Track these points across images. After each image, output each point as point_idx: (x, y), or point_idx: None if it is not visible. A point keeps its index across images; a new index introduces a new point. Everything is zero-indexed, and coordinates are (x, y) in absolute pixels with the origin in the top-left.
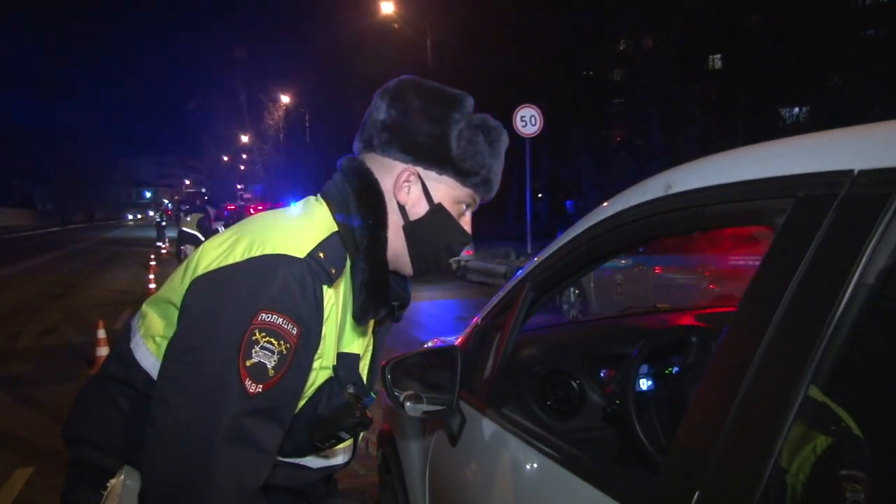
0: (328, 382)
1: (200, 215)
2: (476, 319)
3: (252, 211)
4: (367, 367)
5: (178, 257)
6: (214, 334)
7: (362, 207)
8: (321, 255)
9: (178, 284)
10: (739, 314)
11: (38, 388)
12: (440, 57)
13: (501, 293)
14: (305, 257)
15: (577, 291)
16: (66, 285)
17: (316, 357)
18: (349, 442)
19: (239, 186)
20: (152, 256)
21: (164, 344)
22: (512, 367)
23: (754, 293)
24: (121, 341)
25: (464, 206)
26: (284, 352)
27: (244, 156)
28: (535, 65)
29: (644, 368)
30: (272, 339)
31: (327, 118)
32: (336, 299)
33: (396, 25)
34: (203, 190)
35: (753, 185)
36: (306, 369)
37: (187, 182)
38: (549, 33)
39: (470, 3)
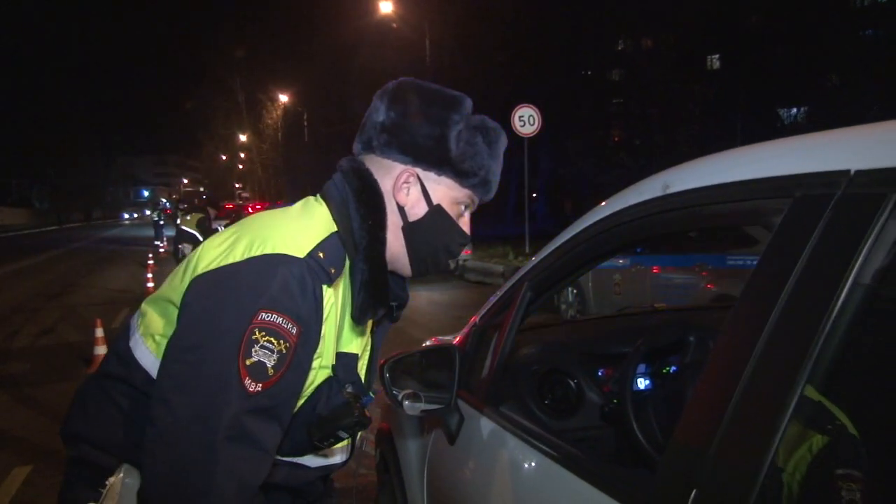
0: (327, 382)
1: (201, 215)
2: (474, 319)
3: (251, 210)
4: (365, 367)
5: (175, 256)
6: (214, 333)
7: (362, 208)
8: (321, 254)
9: (178, 283)
10: (736, 313)
11: (36, 388)
12: (438, 56)
13: (500, 293)
14: (305, 257)
15: (574, 291)
16: (64, 284)
17: (315, 356)
18: (347, 441)
19: (238, 185)
20: (150, 256)
21: (164, 343)
22: (510, 367)
23: (751, 292)
24: (120, 340)
25: (462, 207)
26: (284, 351)
27: (242, 155)
28: (534, 64)
29: (642, 368)
30: (272, 339)
31: (326, 117)
32: (335, 299)
33: (395, 25)
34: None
35: (751, 185)
36: (305, 369)
37: (185, 181)
38: (548, 33)
39: (468, 2)
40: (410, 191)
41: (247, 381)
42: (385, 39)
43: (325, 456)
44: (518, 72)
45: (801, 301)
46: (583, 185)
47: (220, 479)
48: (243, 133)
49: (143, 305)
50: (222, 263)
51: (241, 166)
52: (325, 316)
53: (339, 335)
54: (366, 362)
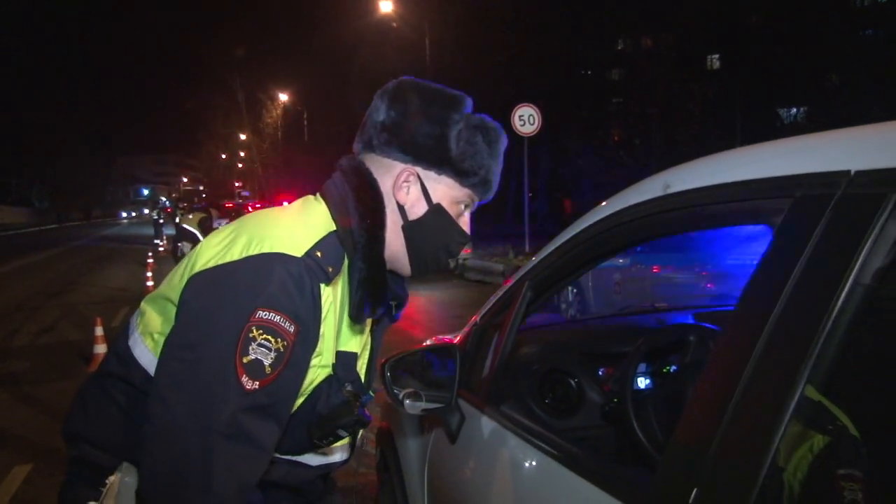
0: (327, 381)
1: (203, 215)
2: (475, 318)
3: (250, 209)
4: (365, 366)
5: (174, 255)
6: (212, 331)
7: (361, 207)
8: (318, 254)
9: (176, 282)
10: (737, 313)
11: (36, 386)
12: (439, 56)
13: (500, 292)
14: (303, 256)
15: (574, 290)
16: (64, 283)
17: (314, 355)
18: (347, 440)
19: (237, 184)
20: (150, 254)
21: (162, 341)
22: (511, 366)
23: (752, 292)
24: (119, 339)
25: (462, 207)
26: (282, 349)
27: (242, 154)
28: (534, 64)
29: (642, 367)
30: (269, 337)
31: (326, 117)
32: (334, 298)
33: (395, 24)
34: (201, 188)
35: (751, 185)
36: (304, 367)
37: (185, 180)
38: (548, 32)
39: (468, 2)
40: (410, 190)
41: (244, 379)
42: (385, 39)
43: (325, 454)
44: (518, 71)
45: (802, 301)
46: (582, 184)
47: (216, 476)
48: (243, 132)
49: (143, 304)
50: (220, 262)
51: (240, 165)
52: (323, 315)
53: (339, 334)
54: (365, 361)
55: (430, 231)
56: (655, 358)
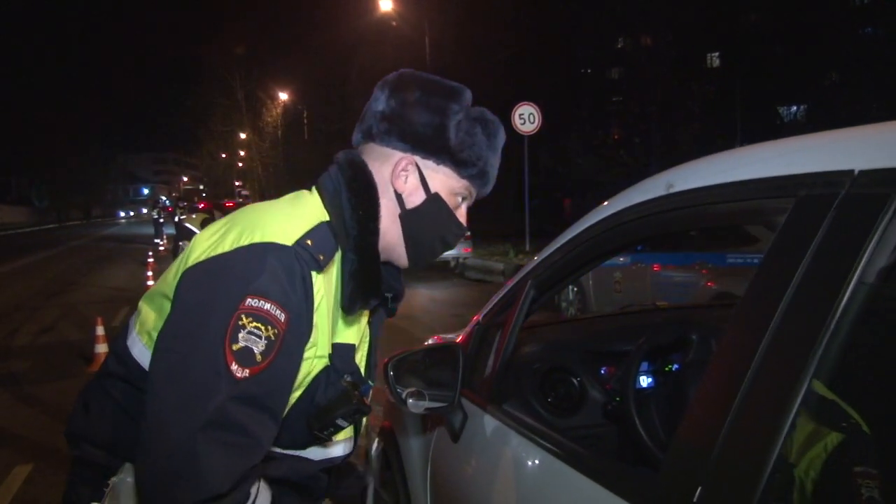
0: (324, 371)
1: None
2: (477, 317)
3: None
4: (364, 358)
5: (174, 254)
6: (203, 322)
7: (353, 198)
8: (309, 242)
9: (171, 279)
10: (741, 312)
11: (37, 386)
12: (439, 55)
13: (503, 291)
14: (293, 245)
15: (575, 289)
16: (64, 283)
17: (309, 346)
18: (349, 433)
19: (237, 183)
20: (150, 254)
21: None
22: (513, 365)
23: (755, 292)
24: (119, 339)
25: (460, 199)
26: (272, 337)
27: (242, 153)
28: (534, 63)
29: (644, 366)
30: (259, 324)
31: (326, 115)
32: (327, 289)
33: (395, 23)
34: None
35: (754, 185)
36: (297, 357)
37: (185, 179)
38: (548, 31)
39: (468, 0)
40: (409, 178)
41: (234, 367)
42: (385, 38)
43: (327, 448)
44: (518, 70)
45: (805, 301)
46: (583, 183)
47: (209, 467)
48: (243, 131)
49: (140, 303)
50: (212, 254)
51: (240, 164)
52: (316, 305)
53: (334, 325)
54: (365, 353)
55: (427, 220)
56: (657, 357)
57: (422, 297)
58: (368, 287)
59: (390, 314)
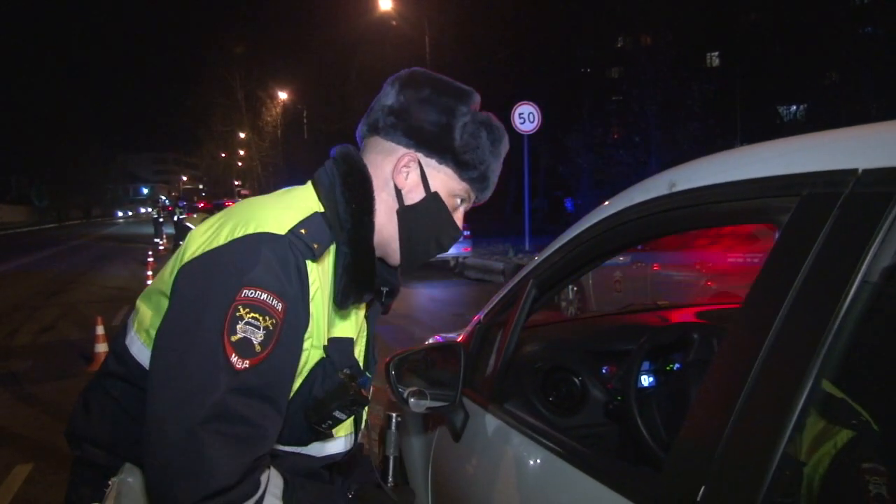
0: (321, 363)
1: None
2: (478, 317)
3: None
4: (362, 352)
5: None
6: (200, 316)
7: (348, 191)
8: (303, 230)
9: (167, 276)
10: (744, 311)
11: (37, 385)
12: (438, 54)
13: (504, 290)
14: (287, 233)
15: (574, 288)
16: (64, 282)
17: (306, 336)
18: (349, 428)
19: (237, 183)
20: (150, 253)
21: None
22: (514, 364)
23: (759, 290)
24: (118, 338)
25: (458, 201)
26: (271, 327)
27: (242, 152)
28: (534, 62)
29: (645, 365)
30: (256, 315)
31: (326, 115)
32: (322, 279)
33: (394, 22)
34: (200, 186)
35: (758, 184)
36: (297, 347)
37: (185, 178)
38: (548, 30)
39: (468, 0)
40: (410, 175)
41: (233, 358)
42: (385, 37)
43: (327, 443)
44: (518, 69)
45: (809, 299)
46: (582, 182)
47: (215, 460)
48: (243, 131)
49: (137, 302)
50: (207, 248)
51: (240, 164)
52: (311, 295)
53: (331, 318)
54: (363, 347)
55: (424, 218)
56: (659, 356)
57: (422, 296)
58: (362, 281)
59: (385, 311)
